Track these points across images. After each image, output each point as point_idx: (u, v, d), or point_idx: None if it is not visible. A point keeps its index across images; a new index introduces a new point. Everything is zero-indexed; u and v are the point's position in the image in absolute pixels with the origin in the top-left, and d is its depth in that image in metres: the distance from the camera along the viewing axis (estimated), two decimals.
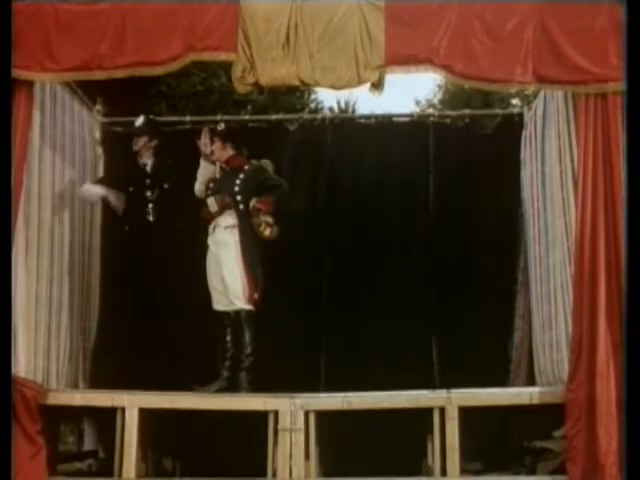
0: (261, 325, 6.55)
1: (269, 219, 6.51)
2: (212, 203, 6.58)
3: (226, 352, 6.43)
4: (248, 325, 6.41)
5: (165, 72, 5.92)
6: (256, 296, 6.43)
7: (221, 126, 6.87)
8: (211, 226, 6.60)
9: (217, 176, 6.74)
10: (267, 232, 6.48)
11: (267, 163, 6.86)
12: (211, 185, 6.71)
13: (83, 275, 6.94)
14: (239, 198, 6.56)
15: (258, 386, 6.17)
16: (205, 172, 6.68)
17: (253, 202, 6.53)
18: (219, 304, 6.48)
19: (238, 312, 6.41)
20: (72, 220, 6.74)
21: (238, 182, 6.61)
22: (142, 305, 6.58)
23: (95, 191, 6.80)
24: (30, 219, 5.92)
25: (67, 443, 7.11)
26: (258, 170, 6.75)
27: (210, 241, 6.59)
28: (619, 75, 5.40)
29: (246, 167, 6.72)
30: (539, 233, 6.72)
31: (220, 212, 6.57)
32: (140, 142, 6.92)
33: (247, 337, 6.40)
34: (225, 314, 6.46)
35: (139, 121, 6.98)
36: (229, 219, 6.56)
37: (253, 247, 6.51)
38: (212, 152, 6.68)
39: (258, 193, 6.60)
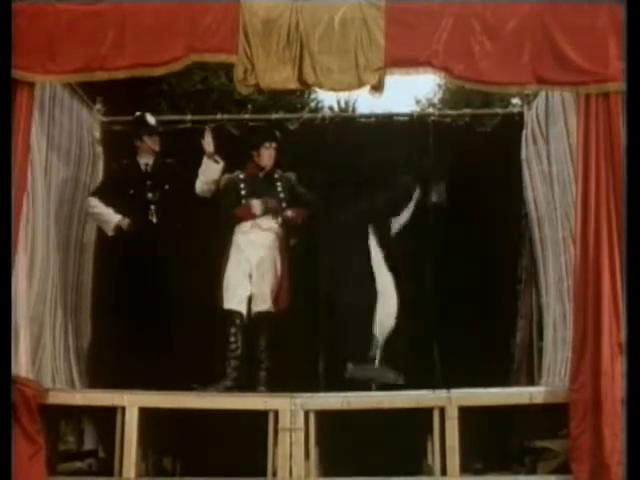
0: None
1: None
2: (257, 205, 6.63)
3: (234, 352, 6.43)
4: (266, 326, 6.47)
5: (166, 72, 5.93)
6: (284, 298, 6.51)
7: (278, 134, 6.96)
8: (247, 225, 6.63)
9: (241, 177, 6.76)
10: (292, 241, 6.62)
11: (292, 176, 6.93)
12: (243, 185, 6.72)
13: (79, 274, 6.94)
14: (284, 205, 6.67)
15: (269, 386, 6.24)
16: (208, 171, 6.66)
17: (289, 212, 6.66)
18: (231, 303, 6.49)
19: (257, 313, 6.46)
20: (68, 219, 6.74)
21: (280, 189, 6.72)
22: (144, 305, 6.57)
23: (111, 218, 6.71)
24: (27, 218, 5.91)
25: (67, 442, 7.10)
26: (289, 180, 6.87)
27: (240, 240, 6.62)
28: (619, 75, 5.40)
29: (276, 175, 6.82)
30: (551, 233, 6.71)
31: (262, 215, 6.61)
32: (157, 142, 6.90)
33: (264, 338, 6.46)
34: (237, 313, 6.47)
35: (153, 119, 6.95)
36: (271, 222, 6.65)
37: (287, 252, 6.61)
38: (270, 156, 6.76)
39: (292, 204, 6.71)
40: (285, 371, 6.47)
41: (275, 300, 6.49)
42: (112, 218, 6.66)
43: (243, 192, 6.72)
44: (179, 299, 6.73)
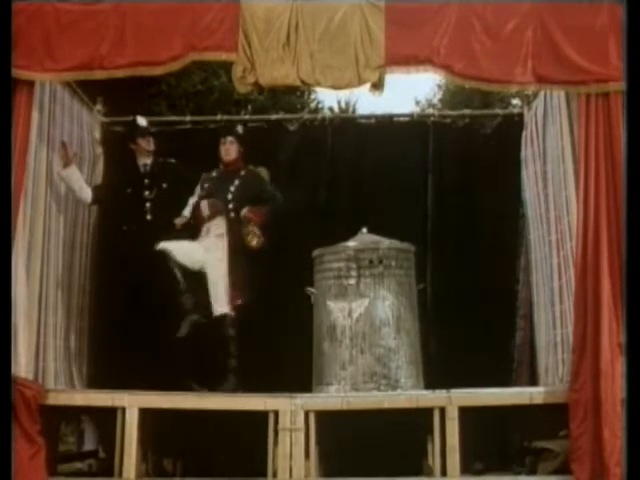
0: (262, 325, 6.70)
1: (256, 230, 6.49)
2: (205, 207, 6.59)
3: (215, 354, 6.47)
4: (231, 330, 6.45)
5: (165, 72, 5.92)
6: (239, 302, 6.47)
7: (240, 129, 6.92)
8: (204, 229, 6.62)
9: (214, 174, 6.74)
10: (254, 242, 6.48)
11: (263, 171, 6.86)
12: (206, 185, 6.72)
13: (79, 275, 6.93)
14: (231, 206, 6.58)
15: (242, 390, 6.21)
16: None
17: (244, 211, 6.52)
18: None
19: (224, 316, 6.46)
20: (68, 220, 6.74)
21: (232, 189, 6.63)
22: (139, 304, 6.56)
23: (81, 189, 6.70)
24: (26, 218, 5.88)
25: (67, 443, 7.10)
26: (255, 177, 6.77)
27: (203, 244, 6.61)
28: (619, 75, 5.40)
29: (242, 172, 6.72)
30: (544, 233, 6.71)
31: (212, 217, 6.57)
32: (151, 142, 6.92)
33: (231, 342, 6.43)
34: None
35: (144, 121, 6.98)
36: (220, 227, 6.58)
37: (241, 254, 6.51)
38: (226, 151, 6.71)
39: (252, 201, 6.60)
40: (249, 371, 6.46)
41: (230, 304, 6.46)
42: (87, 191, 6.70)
43: (203, 193, 6.70)
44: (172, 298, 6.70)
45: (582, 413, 5.29)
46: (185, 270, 6.50)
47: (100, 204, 7.06)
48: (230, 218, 6.57)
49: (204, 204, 6.60)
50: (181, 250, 6.50)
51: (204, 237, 6.62)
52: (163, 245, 6.45)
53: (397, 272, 6.27)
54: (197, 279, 6.54)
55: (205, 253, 6.56)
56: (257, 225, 6.51)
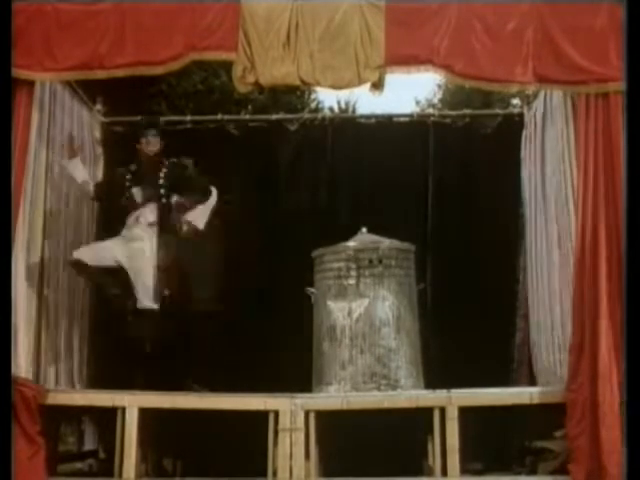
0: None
1: (186, 217, 6.40)
2: (137, 193, 6.45)
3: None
4: (152, 323, 6.31)
5: (166, 71, 5.91)
6: (166, 292, 6.31)
7: (162, 123, 6.89)
8: (132, 218, 6.46)
9: (133, 168, 6.60)
10: (184, 229, 6.38)
11: (187, 160, 6.79)
12: (129, 176, 6.55)
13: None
14: (162, 191, 6.47)
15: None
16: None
17: (176, 198, 6.46)
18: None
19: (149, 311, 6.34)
20: (68, 220, 6.73)
21: (162, 174, 6.50)
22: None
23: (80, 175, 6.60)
24: (26, 218, 5.88)
25: (67, 443, 7.11)
26: (180, 165, 6.69)
27: (127, 234, 6.47)
28: (619, 75, 5.40)
29: (167, 162, 6.61)
30: (540, 233, 6.71)
31: (143, 203, 6.46)
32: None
33: (149, 336, 6.29)
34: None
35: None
36: (151, 215, 6.44)
37: (172, 243, 6.39)
38: (148, 144, 6.59)
39: (182, 189, 6.52)
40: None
41: (157, 297, 6.31)
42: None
43: (128, 182, 6.53)
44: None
45: (580, 413, 5.29)
46: (105, 271, 6.38)
47: (101, 202, 7.04)
48: (162, 204, 6.46)
49: (136, 190, 6.45)
50: (93, 254, 6.36)
51: (132, 226, 6.46)
52: (76, 255, 6.33)
53: (397, 272, 6.28)
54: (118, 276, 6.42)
55: (128, 245, 6.40)
56: (187, 212, 6.40)
